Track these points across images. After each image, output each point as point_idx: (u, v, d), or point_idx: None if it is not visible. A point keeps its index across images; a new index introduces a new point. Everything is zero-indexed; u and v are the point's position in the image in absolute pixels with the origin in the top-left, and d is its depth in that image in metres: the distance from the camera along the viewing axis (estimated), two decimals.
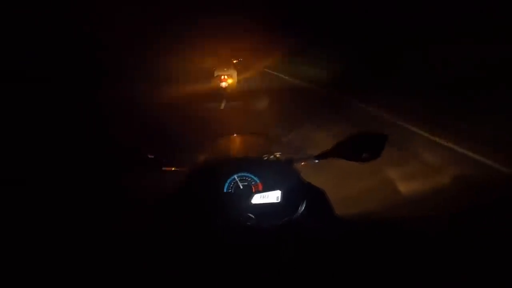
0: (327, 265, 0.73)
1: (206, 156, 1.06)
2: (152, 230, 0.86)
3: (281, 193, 0.90)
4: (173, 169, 0.99)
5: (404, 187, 2.66)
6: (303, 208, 0.86)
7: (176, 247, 0.79)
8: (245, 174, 0.92)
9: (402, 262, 0.73)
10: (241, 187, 0.91)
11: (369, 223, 0.99)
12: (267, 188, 0.90)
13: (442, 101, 5.12)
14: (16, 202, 2.37)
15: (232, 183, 0.91)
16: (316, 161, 0.99)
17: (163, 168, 0.99)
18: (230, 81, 9.11)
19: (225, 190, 0.91)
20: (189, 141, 3.34)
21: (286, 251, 0.79)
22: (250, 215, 0.84)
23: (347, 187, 2.68)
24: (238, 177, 0.92)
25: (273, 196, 0.89)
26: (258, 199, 0.89)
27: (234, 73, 9.51)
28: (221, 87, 8.91)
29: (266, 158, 1.04)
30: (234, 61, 9.92)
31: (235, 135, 1.14)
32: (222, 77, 9.05)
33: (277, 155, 1.04)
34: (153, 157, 0.97)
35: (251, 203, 0.89)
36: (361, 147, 0.91)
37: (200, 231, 0.84)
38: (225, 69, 9.38)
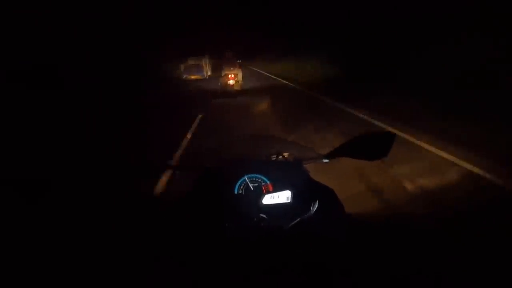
0: (339, 265, 0.74)
1: (216, 158, 1.07)
2: (164, 233, 0.88)
3: (291, 193, 0.90)
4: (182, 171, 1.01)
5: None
6: (315, 208, 0.86)
7: (188, 249, 0.81)
8: (255, 175, 0.93)
9: (410, 261, 0.73)
10: (252, 188, 0.92)
11: (379, 222, 0.99)
12: (277, 189, 0.91)
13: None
14: (29, 205, 2.45)
15: (243, 185, 0.92)
16: (325, 160, 1.00)
17: (176, 172, 1.01)
18: (236, 78, 10.20)
19: (235, 192, 0.92)
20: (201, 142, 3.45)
21: (298, 251, 0.79)
22: (263, 215, 0.85)
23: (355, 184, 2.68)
24: (248, 178, 0.92)
25: (284, 197, 0.90)
26: (268, 199, 0.90)
27: (240, 72, 10.55)
28: (229, 84, 10.06)
29: (275, 158, 1.05)
30: (239, 61, 11.13)
31: (243, 137, 1.15)
32: (230, 75, 10.08)
33: (286, 155, 1.05)
34: (165, 162, 0.99)
35: (262, 203, 0.89)
36: (369, 146, 0.92)
37: (212, 233, 0.85)
38: (231, 68, 10.37)
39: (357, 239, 0.82)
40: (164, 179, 2.15)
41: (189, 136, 4.79)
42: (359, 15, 10.65)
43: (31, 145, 4.48)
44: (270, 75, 16.71)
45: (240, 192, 0.92)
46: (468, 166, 2.85)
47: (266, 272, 0.73)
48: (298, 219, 0.85)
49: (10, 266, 1.52)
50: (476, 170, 2.76)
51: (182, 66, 17.65)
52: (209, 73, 18.51)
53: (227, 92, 10.00)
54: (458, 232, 1.54)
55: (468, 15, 6.32)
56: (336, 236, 0.81)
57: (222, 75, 10.40)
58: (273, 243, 0.82)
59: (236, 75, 10.26)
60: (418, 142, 3.66)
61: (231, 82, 10.11)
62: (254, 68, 22.89)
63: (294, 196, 0.90)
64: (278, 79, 14.25)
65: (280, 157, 1.04)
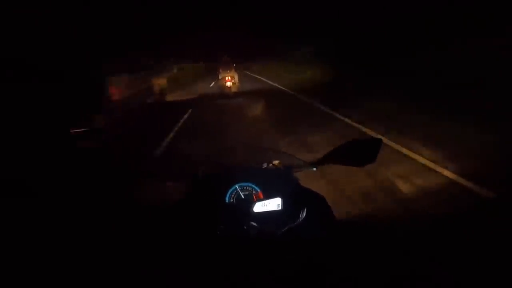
0: (329, 271, 0.75)
1: (207, 167, 1.08)
2: (155, 241, 0.89)
3: (282, 200, 0.91)
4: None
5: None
6: (304, 214, 0.88)
7: (181, 255, 0.82)
8: (246, 183, 0.94)
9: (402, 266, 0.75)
10: (243, 196, 0.93)
11: (368, 226, 1.01)
12: (267, 196, 0.92)
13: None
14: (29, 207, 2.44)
15: (234, 193, 0.94)
16: (314, 169, 1.01)
17: (166, 182, 1.02)
18: (233, 81, 10.61)
19: (227, 200, 0.93)
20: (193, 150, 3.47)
21: (288, 257, 0.81)
22: (253, 223, 0.86)
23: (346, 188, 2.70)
24: (239, 187, 0.94)
25: (274, 204, 0.91)
26: (259, 207, 0.91)
27: (236, 75, 10.93)
28: (226, 86, 10.48)
29: (265, 166, 1.06)
30: (234, 65, 11.36)
31: (233, 145, 1.17)
32: (226, 78, 10.52)
33: (276, 163, 1.07)
34: (155, 170, 1.00)
35: (253, 211, 0.91)
36: (357, 152, 0.93)
37: (204, 241, 0.86)
38: (228, 71, 10.74)
39: (347, 244, 0.83)
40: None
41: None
42: (355, 16, 10.85)
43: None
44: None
45: (232, 200, 0.93)
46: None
47: (258, 277, 0.74)
48: (288, 226, 0.86)
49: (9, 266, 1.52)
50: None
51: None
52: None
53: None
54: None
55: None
56: (326, 243, 0.83)
57: (220, 78, 10.87)
58: (264, 249, 0.83)
59: (232, 78, 10.66)
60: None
61: (228, 84, 10.55)
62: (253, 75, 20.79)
63: (284, 203, 0.91)
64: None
65: (270, 165, 1.06)
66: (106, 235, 1.79)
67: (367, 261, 0.77)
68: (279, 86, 12.13)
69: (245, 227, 0.86)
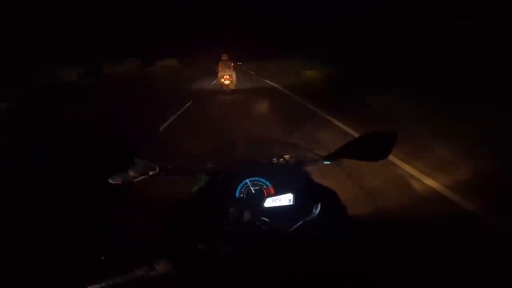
0: (341, 268, 0.73)
1: (216, 161, 1.06)
2: (165, 236, 0.87)
3: (293, 195, 0.90)
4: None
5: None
6: (318, 210, 0.86)
7: (189, 252, 0.80)
8: (256, 178, 0.92)
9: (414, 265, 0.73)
10: (253, 191, 0.91)
11: (381, 224, 0.99)
12: (279, 192, 0.90)
13: None
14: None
15: (244, 188, 0.92)
16: (326, 162, 0.99)
17: (184, 176, 1.00)
18: (231, 79, 11.42)
19: (237, 195, 0.91)
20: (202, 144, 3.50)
21: (300, 254, 0.79)
22: (265, 219, 0.84)
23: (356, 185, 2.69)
24: (249, 181, 0.92)
25: (285, 199, 0.90)
26: (270, 202, 0.89)
27: (234, 74, 11.73)
28: (225, 84, 11.27)
29: (275, 161, 1.04)
30: (232, 64, 12.05)
31: (243, 139, 1.14)
32: (225, 76, 11.29)
33: (287, 158, 1.04)
34: (166, 165, 0.98)
35: (264, 206, 0.89)
36: (370, 147, 0.91)
37: (214, 237, 0.84)
38: (227, 70, 11.46)
39: (361, 241, 0.81)
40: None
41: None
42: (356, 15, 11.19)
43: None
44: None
45: (242, 195, 0.91)
46: None
47: (269, 275, 0.72)
48: (300, 222, 0.84)
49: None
50: None
51: None
52: None
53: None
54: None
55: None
56: (341, 238, 0.81)
57: (218, 76, 11.56)
58: (276, 246, 0.81)
59: (231, 76, 11.41)
60: None
61: (226, 82, 11.31)
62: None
63: (296, 199, 0.90)
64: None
65: (281, 159, 1.03)
66: (111, 231, 1.78)
67: (382, 264, 0.74)
68: (274, 85, 13.11)
69: (256, 223, 0.84)
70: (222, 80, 11.36)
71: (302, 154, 1.06)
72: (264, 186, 0.92)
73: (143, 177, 0.87)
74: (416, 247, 0.84)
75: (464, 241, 1.41)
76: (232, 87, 11.50)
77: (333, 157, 0.97)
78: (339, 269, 0.73)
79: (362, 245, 0.79)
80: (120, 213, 2.17)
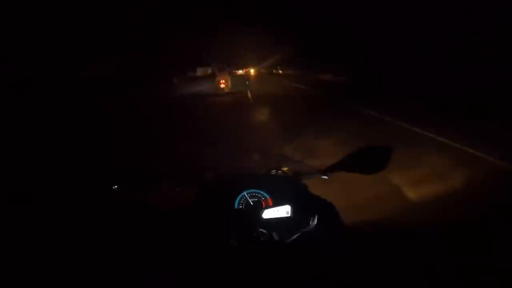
0: (337, 278, 0.74)
1: (215, 174, 1.07)
2: (162, 246, 0.87)
3: (291, 207, 0.91)
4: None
5: None
6: (315, 222, 0.87)
7: (187, 263, 0.80)
8: (255, 190, 0.93)
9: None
10: (252, 203, 0.92)
11: (378, 233, 1.00)
12: (277, 203, 0.91)
13: None
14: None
15: (243, 200, 0.93)
16: (324, 177, 1.01)
17: (182, 186, 1.01)
18: (226, 84, 13.53)
19: (235, 207, 0.92)
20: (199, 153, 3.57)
21: (297, 264, 0.79)
22: (263, 230, 0.85)
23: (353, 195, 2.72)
24: (247, 193, 0.93)
25: (283, 211, 0.91)
26: (268, 214, 0.90)
27: (229, 79, 13.92)
28: (220, 87, 13.41)
29: (274, 173, 1.05)
30: (228, 72, 15.11)
31: (241, 152, 1.16)
32: (221, 81, 13.58)
33: (285, 170, 1.06)
34: (163, 174, 0.99)
35: (262, 218, 0.90)
36: (367, 160, 0.94)
37: (213, 247, 0.85)
38: (223, 76, 13.91)
39: (357, 252, 0.82)
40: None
41: None
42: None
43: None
44: None
45: (240, 207, 0.92)
46: None
47: (268, 285, 0.72)
48: (298, 234, 0.85)
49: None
50: None
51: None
52: None
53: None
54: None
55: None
56: (337, 251, 0.82)
57: (216, 80, 13.87)
58: (274, 257, 0.82)
59: (226, 81, 13.60)
60: None
61: (222, 86, 13.46)
62: None
63: (293, 211, 0.91)
64: None
65: (279, 172, 1.05)
66: (111, 240, 1.77)
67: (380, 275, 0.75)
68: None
69: (254, 234, 0.85)
70: (218, 84, 13.62)
71: (300, 167, 1.07)
72: (263, 198, 0.93)
73: (143, 187, 0.88)
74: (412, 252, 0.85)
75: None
76: (226, 90, 13.45)
77: (330, 171, 0.99)
78: (335, 279, 0.74)
79: (358, 256, 0.80)
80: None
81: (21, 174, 3.43)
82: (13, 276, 1.42)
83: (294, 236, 0.85)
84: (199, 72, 23.86)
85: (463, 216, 2.09)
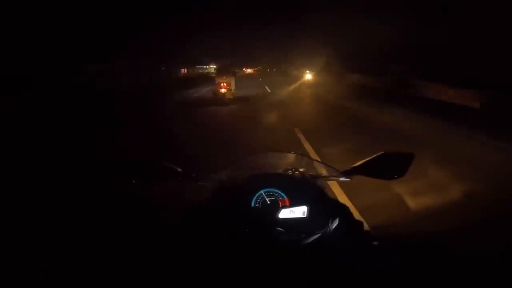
0: (354, 284, 0.73)
1: (233, 172, 1.06)
2: (179, 246, 0.86)
3: (308, 208, 0.90)
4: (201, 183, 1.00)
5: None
6: (334, 225, 0.86)
7: (203, 260, 0.79)
8: (272, 189, 0.93)
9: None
10: (268, 202, 0.91)
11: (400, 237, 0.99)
12: (294, 204, 0.91)
13: None
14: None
15: (259, 198, 0.92)
16: (342, 179, 1.00)
17: (198, 183, 1.00)
18: (228, 87, 10.15)
19: (252, 205, 0.91)
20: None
21: (313, 267, 0.78)
22: (280, 229, 0.84)
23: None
24: (265, 192, 0.92)
25: (300, 212, 0.90)
26: (285, 214, 0.89)
27: (233, 81, 10.45)
28: (220, 92, 10.08)
29: (291, 173, 1.04)
30: (232, 71, 11.04)
31: (260, 152, 1.15)
32: (222, 84, 10.07)
33: (301, 170, 1.05)
34: (182, 171, 0.98)
35: (279, 217, 0.89)
36: (387, 165, 0.93)
37: (228, 245, 0.84)
38: (224, 77, 10.16)
39: (376, 258, 0.81)
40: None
41: None
42: None
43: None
44: None
45: (257, 205, 0.91)
46: None
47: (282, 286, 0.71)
48: (316, 236, 0.85)
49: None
50: None
51: None
52: None
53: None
54: None
55: None
56: (356, 255, 0.81)
57: (215, 82, 10.33)
58: (290, 256, 0.81)
59: (228, 84, 10.01)
60: None
61: (222, 90, 9.98)
62: None
63: (310, 212, 0.90)
64: None
65: (297, 172, 1.04)
66: (124, 236, 1.77)
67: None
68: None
69: (271, 233, 0.84)
70: (218, 87, 10.04)
71: (318, 167, 1.07)
72: (280, 198, 0.92)
73: (164, 180, 0.87)
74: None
75: None
76: (229, 96, 10.08)
77: (350, 173, 0.98)
78: (352, 284, 0.73)
79: (378, 263, 0.79)
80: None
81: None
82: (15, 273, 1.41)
83: (312, 238, 0.84)
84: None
85: None
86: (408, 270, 0.74)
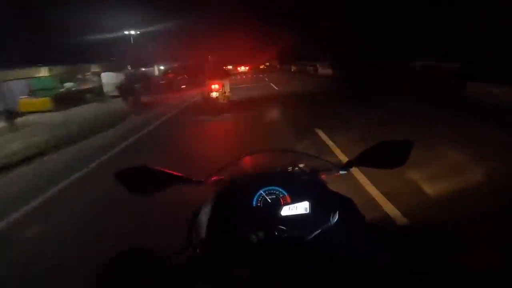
0: (358, 278, 0.73)
1: (232, 172, 1.06)
2: (181, 247, 0.85)
3: (309, 203, 0.90)
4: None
5: None
6: (335, 219, 0.86)
7: (203, 260, 0.79)
8: (272, 187, 0.92)
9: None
10: (269, 200, 0.91)
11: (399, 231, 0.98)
12: (295, 200, 0.90)
13: None
14: None
15: (260, 197, 0.91)
16: (342, 172, 1.00)
17: (199, 187, 0.99)
18: (221, 90, 8.35)
19: (253, 205, 0.91)
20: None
21: (317, 263, 0.78)
22: (282, 227, 0.84)
23: None
24: (265, 191, 0.92)
25: (302, 208, 0.90)
26: (287, 211, 0.89)
27: (227, 83, 8.66)
28: (211, 97, 8.32)
29: (291, 170, 1.04)
30: (225, 68, 9.15)
31: (257, 151, 1.14)
32: (212, 86, 8.33)
33: (302, 166, 1.05)
34: (182, 175, 0.97)
35: (281, 215, 0.89)
36: (386, 155, 0.93)
37: (232, 245, 0.83)
38: (215, 77, 8.43)
39: (379, 251, 0.81)
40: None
41: None
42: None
43: None
44: None
45: (259, 204, 0.91)
46: None
47: (288, 283, 0.71)
48: (318, 231, 0.84)
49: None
50: None
51: None
52: None
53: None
54: None
55: None
56: (359, 248, 0.81)
57: (204, 85, 8.60)
58: (294, 254, 0.80)
59: (221, 86, 8.33)
60: None
61: (214, 94, 8.27)
62: None
63: (312, 207, 0.90)
64: None
65: (296, 168, 1.04)
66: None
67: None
68: None
69: (274, 231, 0.83)
70: (208, 91, 8.27)
71: (317, 163, 1.06)
72: (281, 195, 0.92)
73: (166, 186, 0.87)
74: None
75: None
76: (223, 101, 8.31)
77: (348, 166, 0.98)
78: (356, 279, 0.73)
79: (381, 256, 0.79)
80: None
81: None
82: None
83: (314, 234, 0.84)
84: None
85: None
86: (411, 261, 0.74)
